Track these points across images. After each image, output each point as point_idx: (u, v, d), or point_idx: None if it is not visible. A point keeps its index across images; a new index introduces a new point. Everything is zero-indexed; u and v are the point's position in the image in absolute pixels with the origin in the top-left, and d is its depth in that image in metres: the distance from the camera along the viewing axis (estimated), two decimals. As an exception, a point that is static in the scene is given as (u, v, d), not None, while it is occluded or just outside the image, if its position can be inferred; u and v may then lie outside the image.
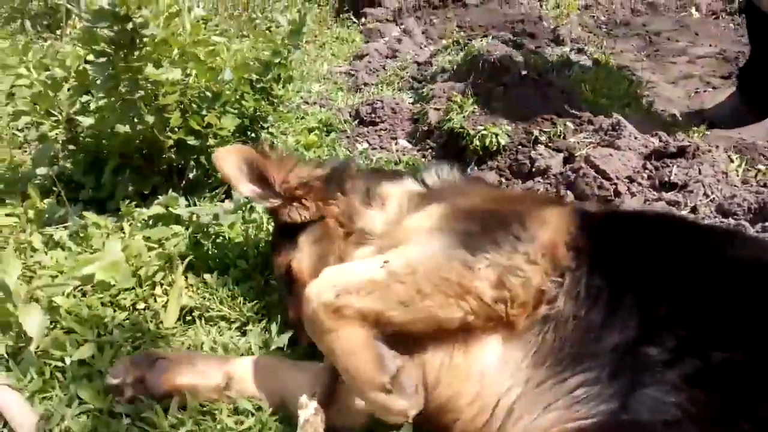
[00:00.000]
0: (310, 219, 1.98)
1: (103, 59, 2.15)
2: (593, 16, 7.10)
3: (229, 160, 2.01)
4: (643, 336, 1.20)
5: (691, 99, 4.88)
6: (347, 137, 3.54)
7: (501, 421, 1.31)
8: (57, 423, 1.68)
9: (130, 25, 2.05)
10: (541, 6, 6.48)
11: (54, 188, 2.94)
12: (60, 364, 1.89)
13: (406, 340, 1.44)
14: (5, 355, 1.92)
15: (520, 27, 5.29)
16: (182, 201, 2.62)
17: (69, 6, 5.52)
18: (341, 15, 6.63)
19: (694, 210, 2.08)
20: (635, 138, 2.59)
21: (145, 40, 2.14)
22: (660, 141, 2.62)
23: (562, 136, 2.89)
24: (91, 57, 2.39)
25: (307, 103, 4.21)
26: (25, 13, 6.43)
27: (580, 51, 5.00)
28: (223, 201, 2.79)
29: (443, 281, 1.39)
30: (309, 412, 1.49)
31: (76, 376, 1.84)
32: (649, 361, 1.16)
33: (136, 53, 2.16)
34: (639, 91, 4.19)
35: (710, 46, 6.11)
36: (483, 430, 1.35)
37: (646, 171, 2.36)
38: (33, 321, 1.86)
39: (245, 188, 2.03)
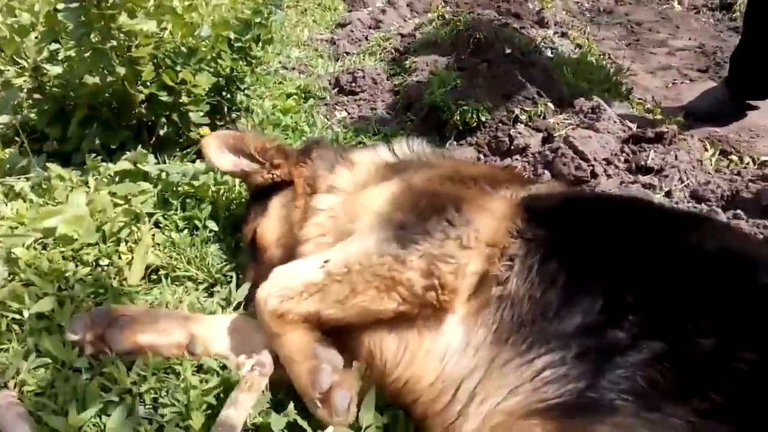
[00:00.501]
0: (282, 179, 2.05)
1: (75, 5, 2.04)
2: (577, 2, 7.11)
3: (211, 144, 2.12)
4: (608, 319, 1.21)
5: (668, 89, 4.92)
6: (326, 105, 3.47)
7: (463, 404, 1.31)
8: (12, 376, 1.63)
9: (104, -32, 1.94)
10: (527, -12, 6.43)
11: (17, 138, 2.83)
12: (17, 316, 1.83)
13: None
14: (-41, 305, 1.85)
15: (505, 6, 5.24)
16: (151, 158, 2.54)
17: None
18: (325, -18, 6.48)
19: (668, 194, 2.10)
20: (614, 122, 2.60)
21: (119, -15, 2.04)
22: (638, 126, 2.63)
23: (542, 116, 2.88)
24: (61, 3, 2.27)
25: (286, 68, 4.11)
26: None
27: (563, 35, 5.00)
28: (194, 161, 2.72)
29: (375, 277, 1.46)
30: (246, 368, 1.52)
31: (34, 329, 1.78)
32: (614, 343, 1.17)
33: (110, 1, 2.05)
34: (619, 77, 4.20)
35: (690, 39, 6.16)
36: (444, 411, 1.35)
37: (624, 154, 2.37)
38: (-10, 271, 1.79)
39: (226, 161, 2.13)
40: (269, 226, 2.03)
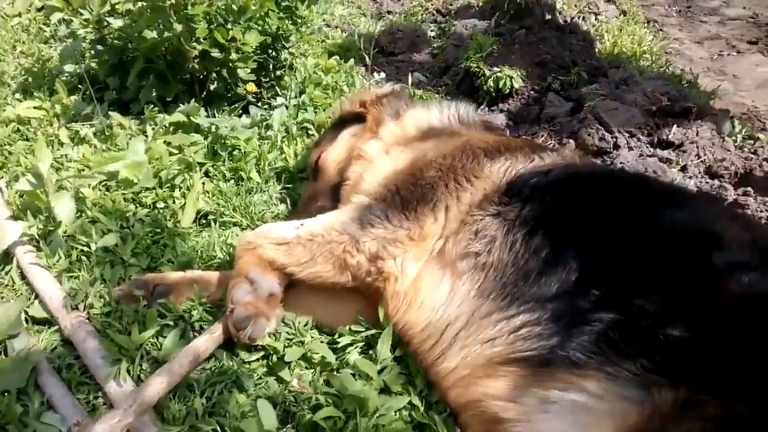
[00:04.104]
0: (359, 114, 2.36)
1: (138, -36, 2.21)
2: (631, -36, 6.89)
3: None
4: (579, 289, 1.39)
5: (713, 61, 4.85)
6: (365, 65, 3.60)
7: (445, 346, 1.52)
8: (81, 300, 1.89)
9: (167, -68, 2.10)
10: (577, -53, 6.28)
11: (80, 86, 3.07)
12: (85, 248, 2.08)
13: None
14: (36, 237, 2.12)
15: (552, -32, 5.17)
16: (202, 111, 2.75)
17: None
18: (372, -64, 6.46)
19: (684, 169, 2.19)
20: (643, 94, 2.67)
21: (179, -52, 2.20)
22: (668, 99, 2.69)
23: (574, 85, 2.96)
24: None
25: (329, 26, 4.23)
26: None
27: (609, 0, 4.93)
28: (240, 116, 2.91)
29: (331, 255, 1.73)
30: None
31: (100, 261, 2.04)
32: (582, 310, 1.35)
33: (170, -39, 2.22)
34: (661, 47, 4.17)
35: (744, 8, 5.97)
36: (430, 351, 1.56)
37: (648, 127, 2.45)
38: (63, 207, 2.04)
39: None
40: (333, 153, 2.32)
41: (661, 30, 5.20)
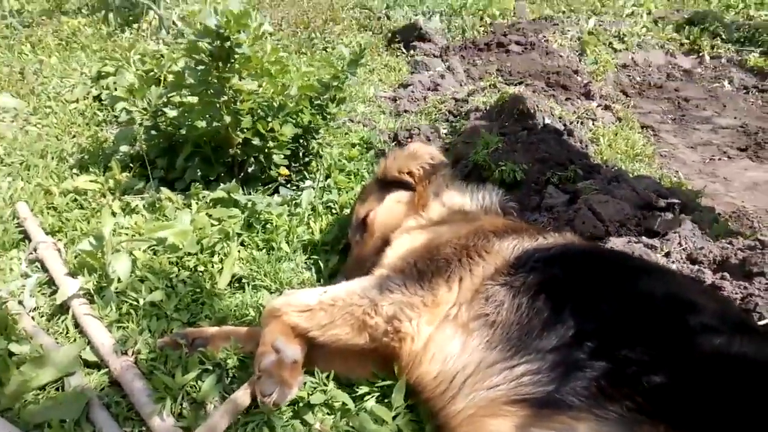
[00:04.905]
0: (406, 183, 2.65)
1: (201, 67, 2.65)
2: (629, 76, 7.48)
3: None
4: (574, 343, 1.63)
5: (705, 164, 5.22)
6: (384, 155, 3.99)
7: (455, 391, 1.74)
8: (130, 346, 2.14)
9: (228, 44, 2.54)
10: (579, 60, 6.90)
11: (131, 165, 3.47)
12: (134, 303, 2.36)
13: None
14: (91, 291, 2.40)
15: (555, 78, 5.71)
16: (239, 190, 3.11)
17: (149, 4, 6.14)
18: (392, 45, 7.15)
19: (667, 255, 2.46)
20: (633, 190, 3.00)
21: (236, 56, 2.64)
22: (654, 196, 3.01)
23: (571, 180, 3.30)
24: (186, 63, 2.90)
25: (352, 121, 4.69)
26: (108, 5, 7.08)
27: (606, 107, 5.42)
28: (272, 195, 3.27)
29: (351, 317, 1.93)
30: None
31: (147, 314, 2.31)
32: (576, 360, 1.58)
33: (228, 66, 2.65)
34: (653, 151, 4.57)
35: (734, 118, 6.44)
36: (442, 395, 1.77)
37: (636, 218, 2.76)
38: (121, 265, 2.35)
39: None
40: (381, 215, 2.60)
41: (656, 135, 5.65)
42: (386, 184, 2.71)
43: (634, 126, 5.21)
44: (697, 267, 2.39)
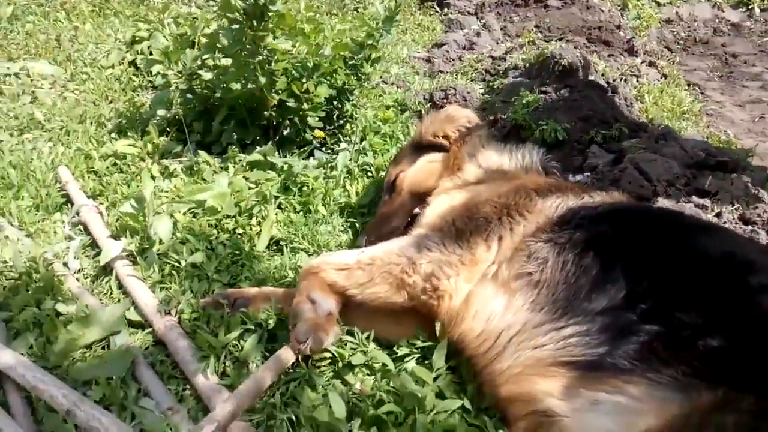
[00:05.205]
0: (441, 146, 2.63)
1: (235, 27, 2.60)
2: (673, 32, 7.14)
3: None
4: (626, 304, 1.57)
5: (754, 123, 4.98)
6: (419, 117, 3.91)
7: (500, 349, 1.71)
8: (174, 306, 2.16)
9: (262, 1, 2.48)
10: (621, 15, 6.60)
11: (168, 129, 3.47)
12: (176, 264, 2.38)
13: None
14: (134, 253, 2.43)
15: (596, 34, 5.47)
16: (275, 153, 3.09)
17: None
18: (425, 3, 6.95)
19: (718, 215, 2.35)
20: (681, 148, 2.87)
21: (270, 14, 2.58)
22: (705, 154, 2.88)
23: (616, 139, 3.18)
24: (219, 25, 2.85)
25: (386, 82, 4.59)
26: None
27: (651, 64, 5.19)
28: (307, 158, 3.24)
29: (390, 275, 1.94)
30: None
31: (189, 275, 2.33)
32: (628, 322, 1.53)
33: (262, 24, 2.59)
34: (700, 108, 4.37)
35: (787, 74, 6.11)
36: (486, 354, 1.75)
37: (685, 177, 2.64)
38: (163, 227, 2.37)
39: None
40: (411, 175, 2.58)
41: (702, 93, 5.40)
42: (421, 147, 2.68)
43: (680, 83, 4.99)
44: (750, 228, 2.28)
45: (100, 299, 2.31)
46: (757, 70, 6.26)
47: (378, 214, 2.59)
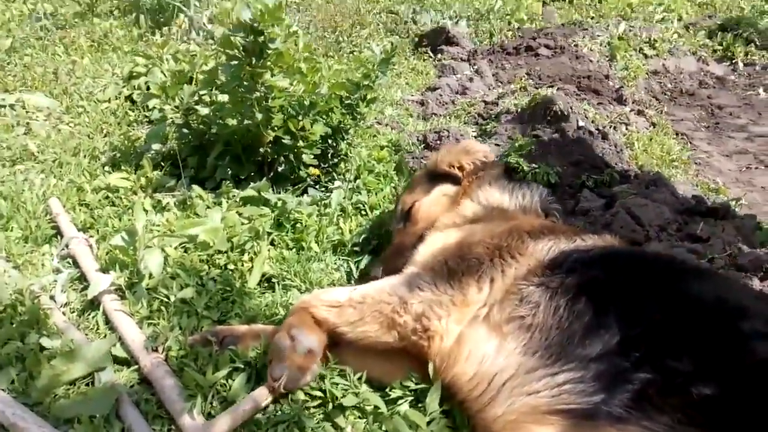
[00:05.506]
0: (453, 175, 2.65)
1: (234, 63, 2.64)
2: (660, 83, 7.33)
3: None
4: (620, 350, 1.56)
5: (741, 173, 5.08)
6: (414, 158, 3.95)
7: (494, 393, 1.68)
8: (161, 342, 2.11)
9: (261, 38, 2.53)
10: (610, 66, 6.78)
11: (162, 163, 3.47)
12: (165, 300, 2.34)
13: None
14: (122, 287, 2.39)
15: (586, 82, 5.60)
16: (269, 189, 3.09)
17: (180, 6, 6.19)
18: (419, 48, 7.11)
19: (711, 260, 2.37)
20: (672, 195, 2.91)
21: (269, 51, 2.62)
22: (695, 201, 2.92)
23: (607, 184, 3.22)
24: (217, 61, 2.90)
25: (380, 123, 4.65)
26: (140, 8, 7.16)
27: (639, 113, 5.30)
28: (301, 195, 3.24)
29: (381, 314, 1.93)
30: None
31: (178, 311, 2.29)
32: (623, 369, 1.52)
33: (261, 62, 2.63)
34: (689, 157, 4.45)
35: (770, 126, 6.26)
36: (480, 398, 1.72)
37: (677, 223, 2.66)
38: (154, 261, 2.33)
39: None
40: (427, 205, 2.59)
41: (690, 142, 5.51)
42: (436, 177, 2.69)
43: (668, 132, 5.10)
44: (743, 274, 2.29)
45: (86, 334, 2.25)
46: (742, 121, 6.42)
47: (393, 244, 2.58)
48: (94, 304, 2.38)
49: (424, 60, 6.80)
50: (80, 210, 3.04)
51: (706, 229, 2.55)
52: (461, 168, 2.65)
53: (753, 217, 3.10)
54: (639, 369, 1.50)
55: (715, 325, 1.56)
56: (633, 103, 5.46)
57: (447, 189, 2.63)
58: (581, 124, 3.87)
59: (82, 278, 2.52)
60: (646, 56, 7.51)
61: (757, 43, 8.12)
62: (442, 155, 2.73)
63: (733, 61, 7.85)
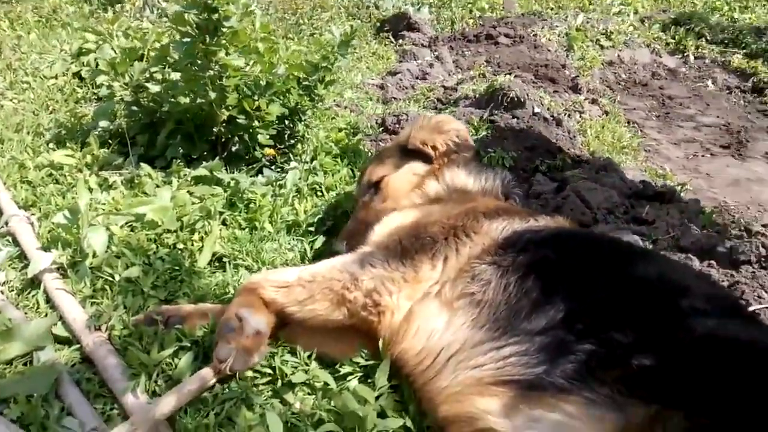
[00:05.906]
0: (426, 153, 2.57)
1: (187, 39, 2.56)
2: (615, 73, 7.51)
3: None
4: (563, 325, 1.59)
5: (688, 160, 5.25)
6: (372, 140, 3.93)
7: (440, 367, 1.70)
8: (105, 321, 2.05)
9: (216, 16, 2.46)
10: (567, 56, 6.90)
11: (110, 141, 3.36)
12: (109, 279, 2.27)
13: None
14: (64, 266, 2.31)
15: (543, 71, 5.68)
16: (222, 168, 3.03)
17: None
18: (381, 33, 7.08)
19: (655, 242, 2.45)
20: (621, 179, 2.98)
21: (223, 30, 2.55)
22: (642, 185, 3.00)
23: (559, 169, 3.28)
24: (171, 38, 2.81)
25: (339, 106, 4.62)
26: (91, -16, 6.90)
27: (593, 101, 5.42)
28: (256, 175, 3.19)
29: (330, 291, 1.90)
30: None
31: (122, 290, 2.22)
32: (566, 342, 1.55)
33: (215, 40, 2.56)
34: (639, 144, 4.57)
35: (717, 117, 6.49)
36: (426, 371, 1.73)
37: (624, 206, 2.74)
38: (98, 239, 2.26)
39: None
40: (397, 181, 2.54)
41: (641, 130, 5.67)
42: (408, 152, 2.62)
43: (620, 120, 5.22)
44: (684, 255, 2.37)
45: (26, 313, 2.17)
46: (691, 112, 6.63)
47: (357, 218, 2.53)
48: (34, 282, 2.30)
49: (385, 45, 6.78)
50: (22, 187, 2.92)
51: (651, 213, 2.63)
52: (434, 148, 2.58)
53: (697, 202, 3.22)
54: (582, 341, 1.53)
55: (657, 301, 1.61)
56: (588, 92, 5.58)
57: (417, 168, 2.57)
58: (537, 110, 3.93)
59: (23, 257, 2.43)
60: (602, 47, 7.67)
61: (708, 37, 8.39)
62: (416, 131, 2.63)
63: (685, 54, 8.08)
